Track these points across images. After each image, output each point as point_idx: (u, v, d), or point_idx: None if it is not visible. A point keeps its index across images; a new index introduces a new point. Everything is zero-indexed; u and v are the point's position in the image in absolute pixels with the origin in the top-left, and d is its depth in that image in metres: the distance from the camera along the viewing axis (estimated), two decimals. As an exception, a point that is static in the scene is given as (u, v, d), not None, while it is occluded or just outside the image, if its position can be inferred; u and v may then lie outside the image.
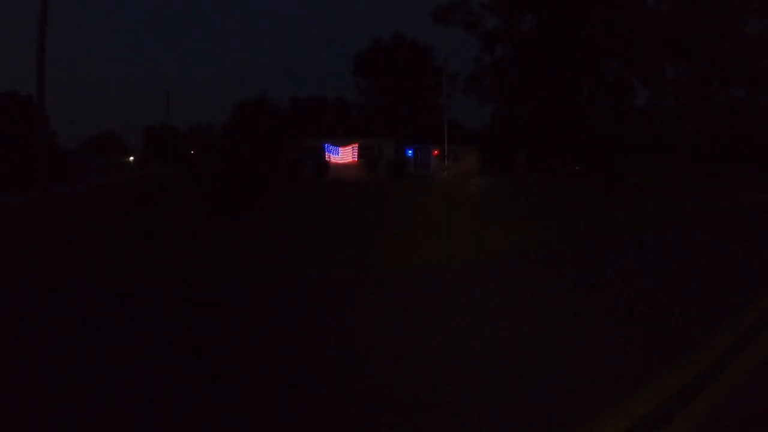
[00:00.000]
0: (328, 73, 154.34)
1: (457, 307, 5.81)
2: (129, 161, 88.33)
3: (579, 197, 19.89)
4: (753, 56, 35.02)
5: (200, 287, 6.95)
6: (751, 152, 31.02)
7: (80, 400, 3.45)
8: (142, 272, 7.64)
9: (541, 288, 6.74)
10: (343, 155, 40.12)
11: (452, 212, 15.59)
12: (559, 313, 5.50)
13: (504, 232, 11.28)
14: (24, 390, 3.62)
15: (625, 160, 32.99)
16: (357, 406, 3.37)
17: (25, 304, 6.19)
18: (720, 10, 33.86)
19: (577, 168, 40.72)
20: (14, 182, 26.58)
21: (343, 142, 40.12)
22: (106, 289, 6.82)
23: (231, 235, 11.15)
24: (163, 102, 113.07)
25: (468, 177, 27.66)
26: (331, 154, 39.96)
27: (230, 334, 4.98)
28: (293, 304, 6.25)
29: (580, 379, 3.71)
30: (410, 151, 44.76)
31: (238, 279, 7.38)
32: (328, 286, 7.10)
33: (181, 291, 6.78)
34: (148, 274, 7.57)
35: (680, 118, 35.79)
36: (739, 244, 10.26)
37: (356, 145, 40.20)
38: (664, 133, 36.11)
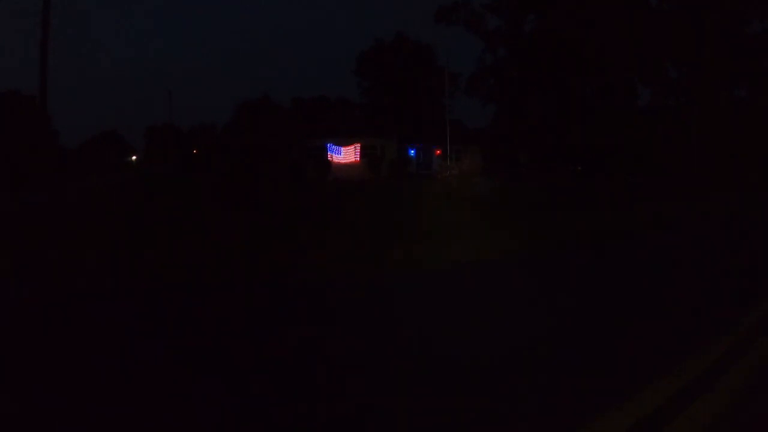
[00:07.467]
0: (330, 74, 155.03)
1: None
2: (132, 160, 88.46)
3: (569, 201, 19.38)
4: (755, 57, 35.00)
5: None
6: (754, 153, 30.98)
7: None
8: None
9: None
10: (346, 155, 40.14)
11: (449, 214, 15.67)
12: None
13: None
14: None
15: (627, 160, 32.99)
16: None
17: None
18: (722, 10, 33.85)
19: (579, 168, 40.76)
20: (15, 182, 26.69)
21: (346, 142, 40.12)
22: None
23: (238, 232, 11.32)
24: (165, 101, 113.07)
25: (469, 178, 27.72)
26: (333, 154, 39.99)
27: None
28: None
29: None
30: (413, 151, 44.79)
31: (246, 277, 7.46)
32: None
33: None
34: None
35: (683, 118, 35.77)
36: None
37: (358, 144, 40.22)
38: (666, 133, 36.08)
